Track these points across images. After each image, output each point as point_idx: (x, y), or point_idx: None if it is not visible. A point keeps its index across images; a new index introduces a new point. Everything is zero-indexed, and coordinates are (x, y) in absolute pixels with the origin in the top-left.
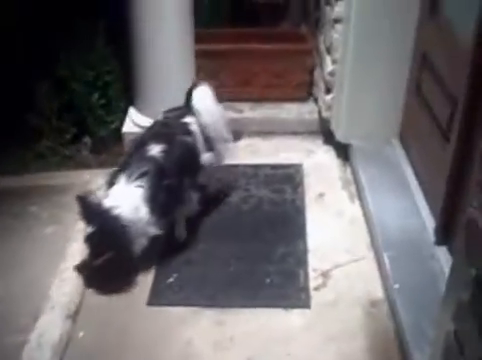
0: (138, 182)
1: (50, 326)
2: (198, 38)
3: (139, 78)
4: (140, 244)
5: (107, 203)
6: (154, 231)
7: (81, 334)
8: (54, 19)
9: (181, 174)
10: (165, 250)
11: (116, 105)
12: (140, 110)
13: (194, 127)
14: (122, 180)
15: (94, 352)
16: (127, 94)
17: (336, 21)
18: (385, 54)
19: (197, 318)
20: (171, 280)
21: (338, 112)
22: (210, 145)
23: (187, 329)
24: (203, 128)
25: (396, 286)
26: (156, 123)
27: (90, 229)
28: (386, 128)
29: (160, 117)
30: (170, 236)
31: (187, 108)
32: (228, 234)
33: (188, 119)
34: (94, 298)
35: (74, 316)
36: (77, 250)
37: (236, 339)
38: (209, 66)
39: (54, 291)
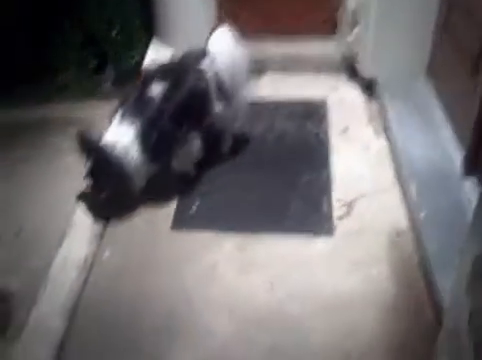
0: (131, 121)
1: (74, 247)
2: None
3: (161, 11)
4: (137, 181)
5: (103, 140)
6: (147, 170)
7: (106, 255)
8: None
9: (181, 118)
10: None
11: (137, 38)
12: (162, 43)
13: (208, 71)
14: (117, 118)
15: (119, 272)
16: (149, 27)
17: None
18: None
19: (220, 242)
20: (194, 207)
21: (364, 46)
22: (225, 92)
23: (210, 253)
24: (219, 74)
25: (422, 214)
26: (169, 62)
27: (88, 164)
28: (413, 63)
29: (177, 56)
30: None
31: (205, 51)
32: (250, 165)
33: (204, 62)
34: (118, 222)
35: (99, 238)
36: None
37: (258, 263)
38: (233, 4)
39: (78, 215)
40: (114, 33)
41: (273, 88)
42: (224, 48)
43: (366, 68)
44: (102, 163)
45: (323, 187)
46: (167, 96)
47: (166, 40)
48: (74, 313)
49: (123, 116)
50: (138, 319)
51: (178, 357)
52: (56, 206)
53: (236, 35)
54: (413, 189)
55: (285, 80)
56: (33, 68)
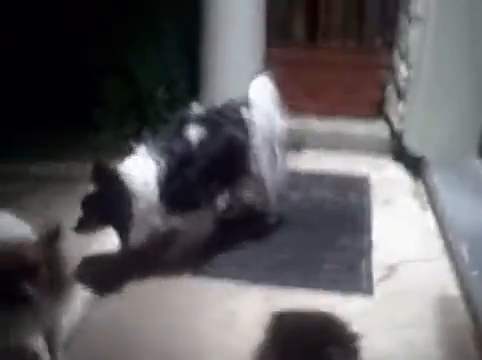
0: (156, 157)
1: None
2: (270, 42)
3: (206, 79)
4: (140, 230)
5: (119, 169)
6: (158, 221)
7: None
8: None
9: (213, 171)
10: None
11: (180, 103)
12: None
13: (249, 121)
14: (142, 149)
15: (129, 311)
16: (193, 95)
17: (414, 20)
18: (466, 57)
19: (243, 292)
20: (219, 256)
21: (411, 123)
22: (263, 145)
23: (231, 301)
24: (260, 127)
25: (474, 273)
26: (210, 109)
27: (92, 190)
28: (464, 139)
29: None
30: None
31: (247, 101)
32: (284, 226)
33: (245, 111)
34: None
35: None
36: None
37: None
38: (278, 73)
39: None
40: (160, 95)
41: (313, 163)
42: (261, 95)
43: (413, 144)
44: (112, 193)
45: (362, 250)
46: (203, 142)
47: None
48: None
49: (149, 149)
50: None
51: None
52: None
53: (274, 88)
54: (464, 249)
55: (326, 157)
56: (77, 127)
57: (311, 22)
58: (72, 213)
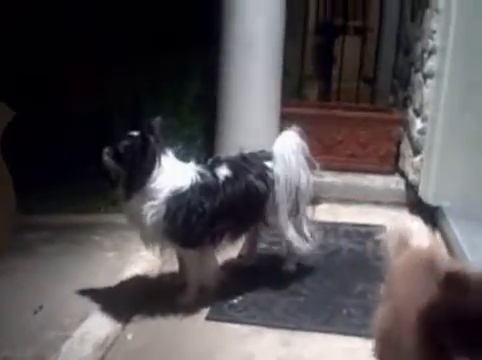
0: (184, 174)
1: (96, 326)
2: (284, 102)
3: (222, 135)
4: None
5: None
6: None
7: (129, 337)
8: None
9: (228, 211)
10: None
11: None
12: None
13: (271, 172)
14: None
15: (140, 355)
16: (208, 150)
17: (427, 76)
18: (480, 109)
19: (260, 335)
20: (234, 301)
21: (427, 173)
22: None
23: (248, 345)
24: (283, 177)
25: None
26: (237, 155)
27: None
28: (481, 187)
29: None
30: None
31: (271, 154)
32: (301, 271)
33: (268, 163)
34: (148, 309)
35: (124, 321)
36: (136, 270)
37: (304, 359)
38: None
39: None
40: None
41: (330, 215)
42: (287, 150)
43: (430, 194)
44: (139, 145)
45: (381, 297)
46: (227, 182)
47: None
48: None
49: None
50: None
51: None
52: (88, 291)
53: (302, 142)
54: None
55: (343, 209)
56: (94, 184)
57: (324, 89)
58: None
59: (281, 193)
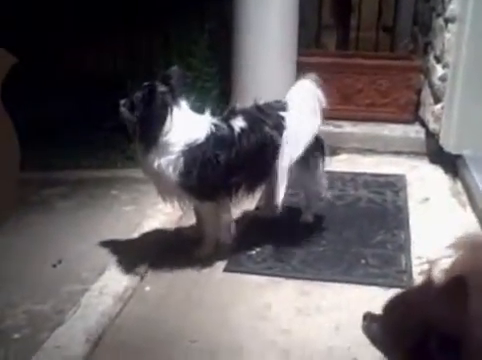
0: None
1: (114, 278)
2: (301, 51)
3: (237, 86)
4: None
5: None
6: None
7: (147, 289)
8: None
9: (243, 163)
10: (248, 227)
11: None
12: None
13: (285, 122)
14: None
15: (158, 306)
16: (224, 102)
17: (449, 20)
18: None
19: (279, 287)
20: (252, 252)
21: (448, 122)
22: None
23: (266, 296)
24: (296, 126)
25: None
26: (252, 105)
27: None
28: None
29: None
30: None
31: (285, 104)
32: (319, 222)
33: (282, 112)
34: (166, 261)
35: (142, 274)
36: (153, 224)
37: (322, 306)
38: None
39: (122, 254)
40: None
41: (349, 166)
42: (301, 99)
43: (451, 143)
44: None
45: (401, 246)
46: (242, 134)
47: None
48: (100, 339)
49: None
50: (173, 354)
51: None
52: (106, 245)
53: (318, 91)
54: None
55: (362, 159)
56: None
57: (342, 39)
58: None
59: (292, 140)
